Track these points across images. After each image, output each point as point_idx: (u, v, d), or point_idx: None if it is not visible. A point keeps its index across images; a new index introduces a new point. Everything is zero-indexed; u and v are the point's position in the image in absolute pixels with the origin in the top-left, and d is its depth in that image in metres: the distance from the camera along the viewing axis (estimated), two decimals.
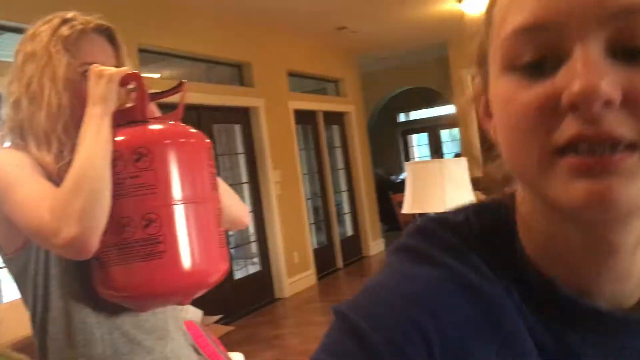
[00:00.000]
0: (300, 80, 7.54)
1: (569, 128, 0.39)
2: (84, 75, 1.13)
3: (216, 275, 1.16)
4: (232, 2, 5.46)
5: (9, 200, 1.05)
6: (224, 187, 1.26)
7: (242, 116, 6.23)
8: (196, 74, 5.99)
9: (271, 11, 5.92)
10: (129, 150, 1.07)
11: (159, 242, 1.07)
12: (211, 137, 5.81)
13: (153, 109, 1.21)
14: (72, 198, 1.01)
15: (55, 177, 1.09)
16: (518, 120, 0.42)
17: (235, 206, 1.30)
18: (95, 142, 1.04)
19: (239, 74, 6.31)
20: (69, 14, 1.16)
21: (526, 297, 0.48)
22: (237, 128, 6.24)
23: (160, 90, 1.26)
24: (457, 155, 12.17)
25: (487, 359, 0.45)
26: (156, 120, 1.18)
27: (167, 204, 1.08)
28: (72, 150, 1.09)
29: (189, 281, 1.11)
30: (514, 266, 0.49)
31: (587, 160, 0.39)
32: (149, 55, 5.07)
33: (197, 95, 5.43)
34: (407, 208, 2.93)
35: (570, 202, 0.41)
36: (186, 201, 1.11)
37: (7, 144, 1.17)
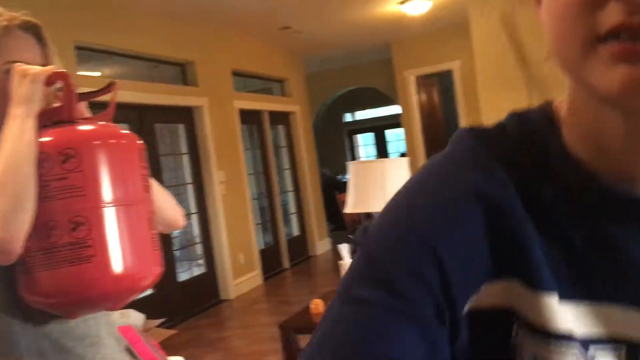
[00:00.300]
0: (246, 80, 7.50)
1: (612, 16, 0.40)
2: (8, 74, 1.09)
3: (149, 279, 1.14)
4: (176, 0, 5.37)
5: None
6: (157, 189, 1.24)
7: (186, 116, 6.14)
8: (139, 73, 5.86)
9: (216, 10, 5.85)
10: (55, 151, 1.04)
11: (88, 245, 1.03)
12: (153, 136, 5.71)
13: (82, 110, 1.17)
14: None
15: None
16: (563, 8, 0.43)
17: (170, 208, 1.28)
18: (18, 144, 1.00)
19: (182, 73, 6.22)
20: None
21: (561, 195, 0.49)
22: (181, 128, 6.15)
23: (89, 90, 1.22)
24: (402, 155, 12.37)
25: (496, 270, 0.46)
26: (85, 120, 1.15)
27: (96, 206, 1.05)
28: None
29: (120, 286, 1.08)
30: (550, 165, 0.50)
31: (628, 46, 0.40)
32: (88, 54, 4.93)
33: (140, 94, 5.32)
34: (349, 208, 2.95)
35: (609, 88, 0.41)
36: (116, 203, 1.08)
37: None
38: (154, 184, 1.22)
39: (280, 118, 8.13)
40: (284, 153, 8.28)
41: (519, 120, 0.53)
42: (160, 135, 5.89)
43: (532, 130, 0.52)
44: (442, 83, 9.29)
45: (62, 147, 1.04)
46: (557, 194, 0.49)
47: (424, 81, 8.85)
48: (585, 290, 0.47)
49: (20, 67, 1.05)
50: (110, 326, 1.27)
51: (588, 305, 0.48)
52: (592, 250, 0.48)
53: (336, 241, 8.80)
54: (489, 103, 4.69)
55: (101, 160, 1.07)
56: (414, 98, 8.59)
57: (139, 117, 5.48)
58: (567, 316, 0.47)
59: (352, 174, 2.98)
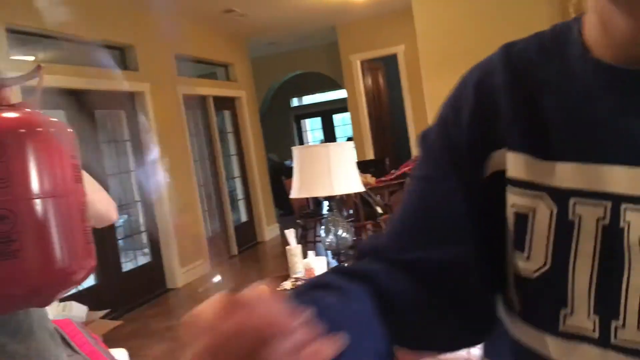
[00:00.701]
0: (189, 65, 7.34)
1: None
2: None
3: (81, 273, 1.09)
4: None
5: None
6: (88, 181, 1.19)
7: (127, 101, 5.97)
8: (75, 57, 5.65)
9: None
10: None
11: (13, 240, 0.98)
12: (94, 123, 5.53)
13: (8, 96, 1.11)
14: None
15: None
16: None
17: (102, 201, 1.23)
18: None
19: (121, 57, 6.03)
20: None
21: (562, 71, 0.59)
22: (122, 114, 5.98)
23: (14, 76, 1.16)
24: (349, 139, 12.44)
25: (494, 142, 0.60)
26: (9, 108, 1.09)
27: (21, 198, 1.00)
28: None
29: (50, 280, 1.04)
30: (566, 51, 0.59)
31: None
32: (21, 37, 4.72)
33: (77, 79, 5.14)
34: (294, 193, 2.94)
35: None
36: (44, 195, 1.03)
37: None
38: (85, 177, 1.18)
39: (226, 103, 8.02)
40: (231, 139, 8.18)
41: (553, 25, 0.63)
42: (101, 122, 5.72)
43: (558, 29, 0.61)
44: (387, 67, 9.35)
45: None
46: (559, 69, 0.58)
47: (370, 65, 8.89)
48: (574, 152, 0.55)
49: None
50: (43, 319, 1.23)
51: (576, 163, 0.55)
52: (582, 116, 0.55)
53: (285, 227, 8.80)
54: (433, 88, 4.76)
55: (27, 149, 1.01)
56: (360, 82, 8.62)
57: (77, 103, 5.29)
58: (546, 170, 0.56)
59: (296, 159, 2.96)
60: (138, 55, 6.03)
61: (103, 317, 4.30)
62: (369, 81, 8.91)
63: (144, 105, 6.04)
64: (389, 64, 9.04)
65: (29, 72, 1.19)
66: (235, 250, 7.66)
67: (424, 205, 0.65)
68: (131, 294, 5.57)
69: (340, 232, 2.92)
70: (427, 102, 4.69)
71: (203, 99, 7.40)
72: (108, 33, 5.64)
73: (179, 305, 5.73)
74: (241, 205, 8.27)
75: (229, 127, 8.16)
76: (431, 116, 4.56)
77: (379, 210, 5.89)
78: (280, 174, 9.41)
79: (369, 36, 8.46)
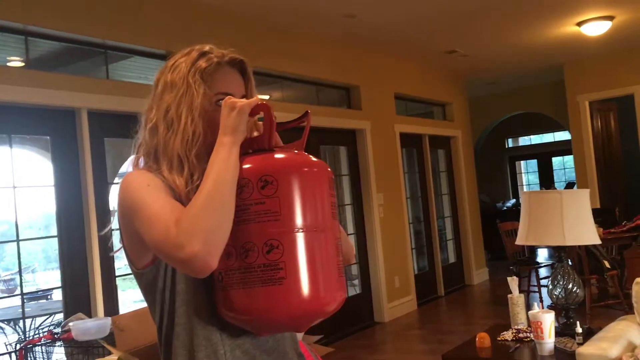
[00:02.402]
0: (407, 104, 7.50)
1: None
2: (218, 104, 1.18)
3: (334, 304, 1.16)
4: (342, 26, 5.55)
5: (140, 216, 1.10)
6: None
7: (349, 138, 6.28)
8: (305, 96, 6.12)
9: (380, 35, 5.94)
10: (255, 177, 1.10)
11: (280, 268, 1.08)
12: (319, 158, 5.90)
13: (277, 138, 1.24)
14: (199, 216, 1.04)
15: (184, 199, 1.14)
16: None
17: (345, 242, 1.30)
18: (225, 168, 1.08)
19: (347, 96, 6.38)
20: (206, 47, 1.23)
21: None
22: (343, 150, 6.29)
23: (286, 121, 1.29)
24: (568, 184, 11.55)
25: None
26: (281, 149, 1.20)
27: (289, 230, 1.09)
28: (201, 175, 1.14)
29: (307, 309, 1.11)
30: None
31: None
32: (261, 78, 5.25)
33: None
34: (521, 240, 2.80)
35: None
36: (308, 229, 1.11)
37: (141, 164, 1.24)
38: None
39: (441, 142, 8.01)
40: (443, 177, 8.12)
41: None
42: (323, 156, 6.08)
43: None
44: (620, 109, 8.55)
45: (261, 173, 1.10)
46: None
47: (600, 106, 8.22)
48: None
49: (229, 100, 1.13)
50: (295, 342, 1.32)
51: None
52: None
53: (494, 272, 8.45)
54: None
55: (295, 187, 1.11)
56: (588, 124, 8.01)
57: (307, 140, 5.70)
58: None
59: (524, 204, 2.83)
60: (362, 94, 6.32)
61: (316, 342, 4.50)
62: (598, 123, 8.24)
63: (364, 142, 6.29)
64: (623, 105, 8.26)
65: (298, 117, 1.31)
66: (441, 290, 7.53)
67: None
68: (340, 323, 5.76)
69: (570, 285, 2.70)
70: None
71: (419, 137, 7.48)
72: (335, 74, 6.00)
73: (385, 339, 5.78)
74: (450, 245, 8.13)
75: (442, 166, 8.12)
76: None
77: (607, 264, 5.35)
78: (491, 216, 9.06)
79: (601, 75, 7.85)
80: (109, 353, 1.86)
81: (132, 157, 1.27)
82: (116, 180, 4.96)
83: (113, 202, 4.05)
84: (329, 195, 1.18)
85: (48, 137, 3.68)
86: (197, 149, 1.16)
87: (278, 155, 1.16)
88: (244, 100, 1.14)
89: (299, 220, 1.10)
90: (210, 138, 1.17)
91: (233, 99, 1.14)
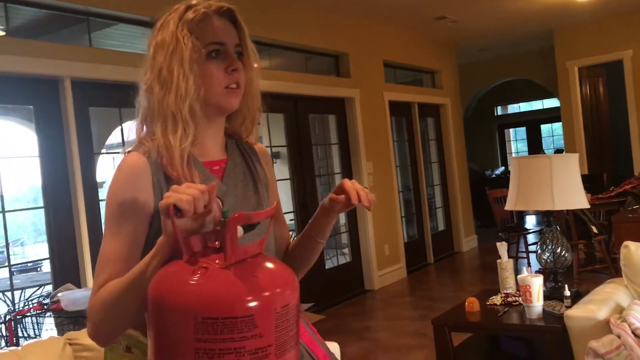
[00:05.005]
0: (396, 72, 7.44)
1: None
2: (210, 56, 1.15)
3: None
4: None
5: (104, 230, 1.14)
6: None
7: (338, 106, 6.23)
8: (294, 65, 6.05)
9: (369, 1, 5.85)
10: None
11: None
12: (307, 126, 5.87)
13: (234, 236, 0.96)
14: (99, 310, 1.08)
15: (177, 159, 1.12)
16: None
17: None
18: (140, 275, 1.00)
19: (335, 64, 6.31)
20: (193, 1, 1.18)
21: None
22: (332, 118, 6.25)
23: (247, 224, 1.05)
24: (557, 151, 11.60)
25: None
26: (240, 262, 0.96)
27: None
28: (196, 129, 1.14)
29: None
30: None
31: None
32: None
33: (295, 85, 5.48)
34: (510, 205, 2.80)
35: None
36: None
37: (144, 131, 1.18)
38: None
39: (430, 110, 7.98)
40: (432, 146, 8.12)
41: None
42: (312, 124, 6.04)
43: None
44: (609, 75, 8.54)
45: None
46: None
47: (588, 72, 8.21)
48: None
49: (168, 199, 0.94)
50: None
51: None
52: None
53: (483, 239, 8.51)
54: None
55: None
56: (577, 91, 8.00)
57: (293, 107, 5.66)
58: None
59: (514, 170, 2.82)
60: (351, 62, 6.25)
61: (307, 310, 4.53)
62: (587, 89, 8.23)
63: (353, 110, 6.25)
64: (612, 71, 8.25)
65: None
66: (431, 258, 7.58)
67: None
68: (331, 291, 5.80)
69: (559, 250, 2.72)
70: None
71: (408, 105, 7.44)
72: (324, 42, 5.93)
73: (375, 307, 5.83)
74: (439, 213, 8.16)
75: (431, 134, 8.11)
76: None
77: (594, 230, 5.40)
78: (481, 184, 9.10)
79: (590, 40, 7.81)
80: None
81: (134, 123, 1.24)
82: (103, 151, 4.91)
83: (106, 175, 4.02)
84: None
85: (31, 107, 3.61)
86: (190, 104, 1.13)
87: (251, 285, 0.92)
88: (172, 195, 0.94)
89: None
90: (203, 93, 1.14)
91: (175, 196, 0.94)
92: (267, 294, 0.91)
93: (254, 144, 1.34)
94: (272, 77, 5.20)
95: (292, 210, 5.65)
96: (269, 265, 1.00)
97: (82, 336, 1.96)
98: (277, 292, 0.93)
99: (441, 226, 8.13)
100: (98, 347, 1.84)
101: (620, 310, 2.37)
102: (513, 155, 13.18)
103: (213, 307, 0.88)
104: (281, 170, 5.65)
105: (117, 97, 3.78)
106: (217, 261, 0.93)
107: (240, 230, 1.00)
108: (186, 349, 0.89)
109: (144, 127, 1.18)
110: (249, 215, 1.00)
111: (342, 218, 6.29)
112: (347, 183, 1.19)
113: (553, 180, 2.63)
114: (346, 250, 6.37)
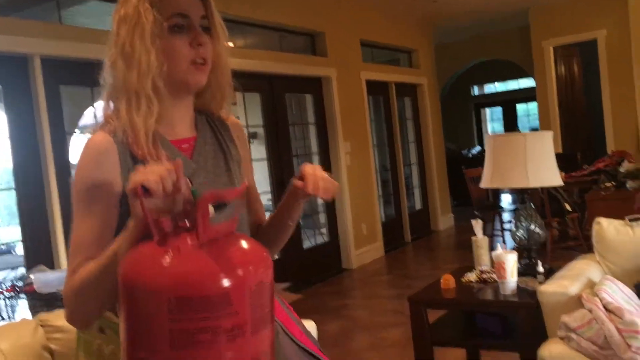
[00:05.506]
0: (373, 51, 7.41)
1: None
2: (173, 30, 1.11)
3: None
4: None
5: (73, 213, 1.11)
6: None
7: (315, 86, 6.20)
8: (268, 43, 5.98)
9: None
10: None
11: None
12: (284, 106, 5.83)
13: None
14: (76, 292, 1.06)
15: (142, 139, 1.10)
16: None
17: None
18: (113, 263, 0.97)
19: (312, 43, 6.26)
20: None
21: None
22: (309, 97, 6.22)
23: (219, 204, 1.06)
24: (532, 130, 11.71)
25: None
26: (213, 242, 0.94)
27: None
28: (160, 107, 1.11)
29: None
30: None
31: None
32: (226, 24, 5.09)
33: (270, 63, 5.43)
34: (485, 182, 2.82)
35: None
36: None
37: (111, 107, 1.15)
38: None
39: (407, 90, 7.98)
40: (410, 126, 8.13)
41: None
42: (288, 104, 6.00)
43: None
44: (583, 54, 8.61)
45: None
46: None
47: (563, 52, 8.27)
48: None
49: (135, 179, 0.92)
50: None
51: None
52: None
53: (459, 218, 8.59)
54: None
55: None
56: (552, 70, 8.06)
57: (269, 87, 5.61)
58: None
59: (489, 148, 2.83)
60: (327, 41, 6.21)
61: (284, 290, 4.54)
62: (562, 69, 8.30)
63: (330, 90, 6.22)
64: (586, 50, 8.32)
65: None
66: (408, 237, 7.64)
67: None
68: (309, 270, 5.81)
69: (532, 226, 2.75)
70: (637, 93, 4.20)
71: (385, 85, 7.43)
72: (300, 20, 5.87)
73: (352, 285, 5.87)
74: (416, 192, 8.21)
75: (408, 114, 8.12)
76: None
77: (568, 207, 5.49)
78: (457, 163, 9.16)
79: (565, 20, 7.86)
80: None
81: (101, 104, 1.20)
82: (76, 131, 4.81)
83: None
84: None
85: (0, 86, 3.52)
86: (153, 81, 1.09)
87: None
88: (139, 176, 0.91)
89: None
90: (167, 68, 1.10)
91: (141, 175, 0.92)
92: (240, 272, 0.90)
93: (227, 119, 1.30)
94: (247, 56, 5.14)
95: (269, 190, 5.63)
96: (242, 243, 0.99)
97: (55, 318, 1.94)
98: (250, 270, 0.92)
99: (418, 205, 8.18)
100: (71, 329, 1.82)
101: (592, 286, 2.41)
102: (490, 134, 13.28)
103: (187, 287, 0.87)
104: (258, 150, 5.61)
105: (89, 76, 3.68)
106: (189, 241, 0.91)
107: (211, 209, 0.99)
108: (160, 330, 0.87)
109: (110, 104, 1.15)
110: (219, 193, 0.99)
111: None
112: (307, 169, 1.12)
113: (527, 157, 2.65)
114: (324, 230, 6.38)
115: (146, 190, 0.90)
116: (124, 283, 0.91)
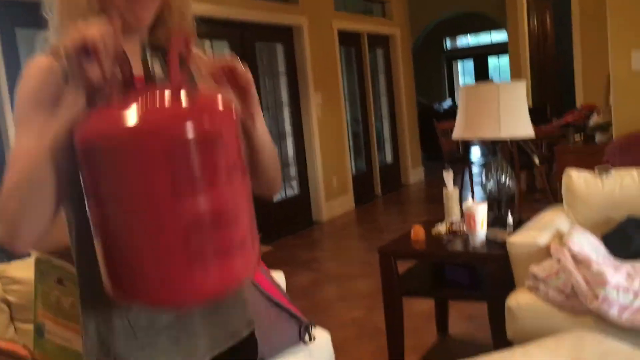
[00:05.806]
0: (345, 0, 7.23)
1: None
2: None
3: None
4: None
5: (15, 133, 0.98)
6: (270, 149, 1.13)
7: (285, 35, 6.04)
8: None
9: None
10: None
11: None
12: (254, 55, 5.67)
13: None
14: (6, 202, 0.89)
15: None
16: None
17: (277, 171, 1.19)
18: (53, 148, 0.88)
19: None
20: None
21: None
22: (279, 47, 6.06)
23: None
24: None
25: None
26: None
27: None
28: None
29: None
30: None
31: None
32: None
33: (239, 10, 5.25)
34: (457, 133, 2.78)
35: None
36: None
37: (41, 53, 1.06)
38: (268, 141, 1.10)
39: (380, 41, 7.85)
40: (382, 79, 8.04)
41: None
42: (259, 54, 5.84)
43: None
44: (555, 7, 8.55)
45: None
46: None
47: (536, 4, 8.20)
48: None
49: (77, 36, 0.83)
50: None
51: None
52: None
53: (429, 171, 8.63)
54: (619, 32, 4.20)
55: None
56: (524, 23, 8.00)
57: (239, 35, 5.43)
58: None
59: (462, 99, 2.79)
60: None
61: None
62: (534, 22, 8.24)
63: (301, 39, 6.07)
64: (559, 3, 8.26)
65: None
66: (379, 190, 7.65)
67: None
68: (279, 223, 5.79)
69: (503, 179, 2.74)
70: (612, 46, 4.17)
71: (358, 35, 7.29)
72: None
73: (322, 238, 5.87)
74: (387, 146, 8.19)
75: (380, 67, 8.01)
76: (619, 63, 4.06)
77: (536, 160, 5.53)
78: (429, 117, 9.15)
79: None
80: (28, 255, 1.75)
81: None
82: None
83: None
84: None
85: None
86: (83, 17, 0.96)
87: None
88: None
89: None
90: (99, 3, 0.99)
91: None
92: (221, 108, 0.86)
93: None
94: (214, 2, 4.94)
95: None
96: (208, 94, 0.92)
97: (12, 269, 1.86)
98: (228, 108, 0.88)
99: (389, 159, 8.18)
100: (28, 280, 1.75)
101: (560, 237, 2.42)
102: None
103: (181, 127, 0.80)
104: None
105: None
106: (157, 91, 0.85)
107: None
108: (157, 177, 0.79)
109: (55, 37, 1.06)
110: (188, 40, 0.92)
111: (290, 150, 6.22)
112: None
113: (500, 108, 2.61)
114: (294, 183, 6.34)
115: (88, 54, 0.81)
116: (103, 147, 0.80)
